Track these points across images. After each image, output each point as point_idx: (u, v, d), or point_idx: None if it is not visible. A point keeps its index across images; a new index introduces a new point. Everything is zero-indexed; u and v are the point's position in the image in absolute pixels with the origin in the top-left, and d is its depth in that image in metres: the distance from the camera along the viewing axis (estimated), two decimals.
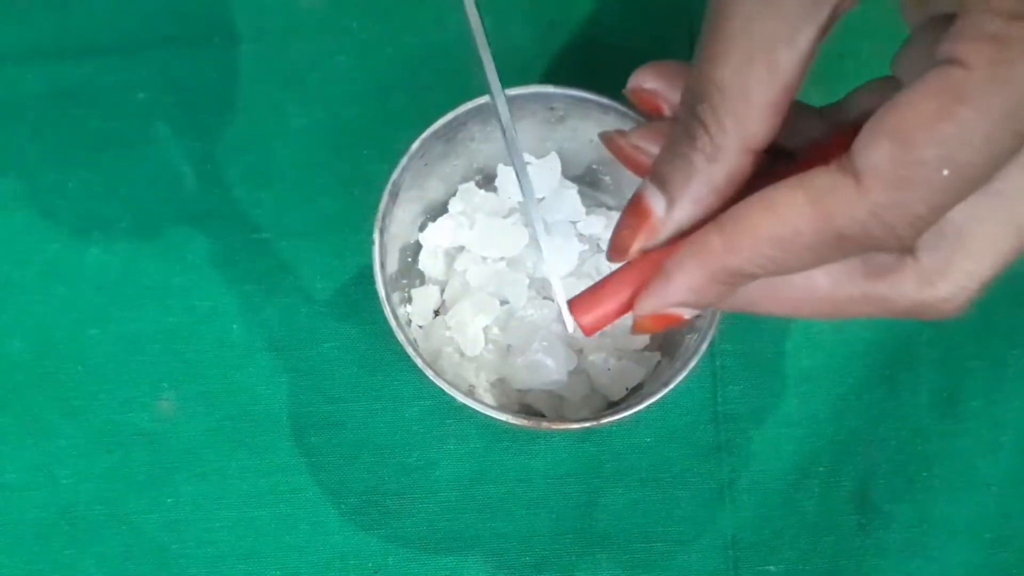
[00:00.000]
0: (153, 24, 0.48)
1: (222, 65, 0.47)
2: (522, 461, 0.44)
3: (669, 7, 0.48)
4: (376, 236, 0.39)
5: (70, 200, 0.46)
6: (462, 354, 0.42)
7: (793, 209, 0.25)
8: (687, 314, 0.28)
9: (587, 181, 0.45)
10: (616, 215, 0.30)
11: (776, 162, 0.27)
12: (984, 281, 0.27)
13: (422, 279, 0.44)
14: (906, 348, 0.45)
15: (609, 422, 0.38)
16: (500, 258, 0.43)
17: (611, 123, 0.40)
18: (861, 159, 0.24)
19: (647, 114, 0.30)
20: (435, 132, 0.40)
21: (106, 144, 0.47)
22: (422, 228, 0.44)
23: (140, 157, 0.47)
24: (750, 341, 0.45)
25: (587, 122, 0.41)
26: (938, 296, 0.27)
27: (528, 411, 0.43)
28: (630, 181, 0.30)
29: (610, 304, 0.29)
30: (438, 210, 0.44)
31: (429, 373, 0.38)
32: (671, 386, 0.38)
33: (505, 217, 0.43)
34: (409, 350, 0.38)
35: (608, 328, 0.30)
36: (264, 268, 0.46)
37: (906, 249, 0.27)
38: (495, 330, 0.42)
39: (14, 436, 0.44)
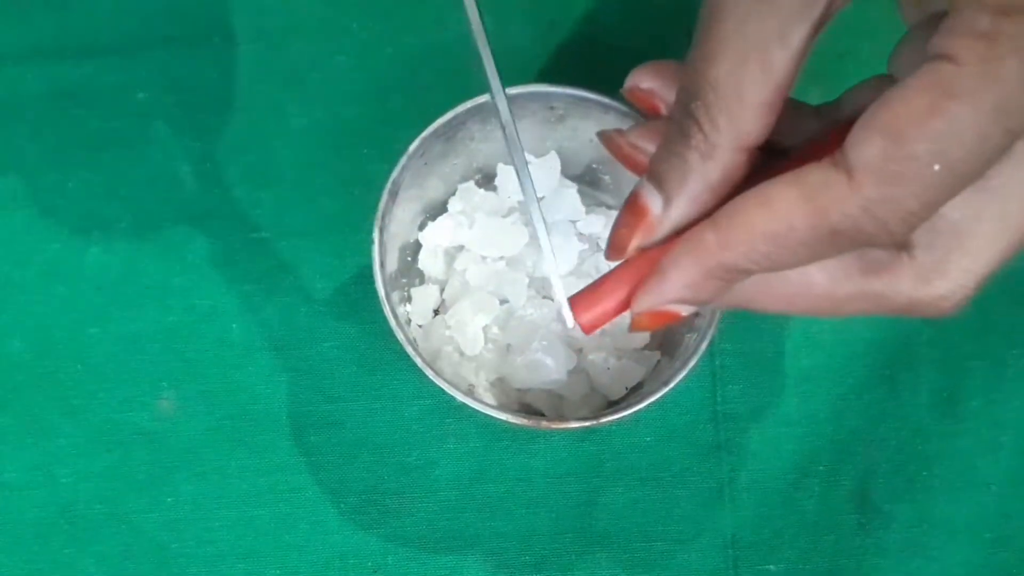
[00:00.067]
0: (153, 24, 0.48)
1: (222, 65, 0.47)
2: (522, 460, 0.44)
3: (669, 7, 0.48)
4: (376, 235, 0.39)
5: (70, 200, 0.46)
6: (462, 353, 0.42)
7: (787, 205, 0.25)
8: (684, 311, 0.28)
9: (587, 180, 0.45)
10: (616, 214, 0.31)
11: (772, 160, 0.27)
12: (981, 279, 0.27)
13: (422, 278, 0.44)
14: (906, 348, 0.45)
15: (609, 421, 0.38)
16: (500, 257, 0.43)
17: (611, 122, 0.40)
18: (853, 155, 0.24)
19: (644, 113, 0.31)
20: (435, 131, 0.40)
21: (106, 144, 0.47)
22: (422, 227, 0.44)
23: (140, 157, 0.47)
24: (750, 340, 0.45)
25: (587, 121, 0.41)
26: (935, 294, 0.27)
27: (528, 410, 0.43)
28: (630, 180, 0.30)
29: (608, 302, 0.29)
30: (438, 209, 0.44)
31: (429, 372, 0.38)
32: (671, 385, 0.38)
33: (505, 216, 0.43)
34: (409, 349, 0.38)
35: (608, 327, 0.30)
36: (264, 268, 0.46)
37: (899, 245, 0.27)
38: (495, 329, 0.42)
39: (14, 436, 0.44)
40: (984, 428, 0.45)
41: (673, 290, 0.27)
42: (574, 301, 0.30)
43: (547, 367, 0.41)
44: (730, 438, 0.44)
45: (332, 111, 0.47)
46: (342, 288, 0.45)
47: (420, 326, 0.43)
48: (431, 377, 0.38)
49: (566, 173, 0.44)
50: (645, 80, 0.30)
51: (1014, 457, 0.45)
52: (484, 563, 0.43)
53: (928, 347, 0.45)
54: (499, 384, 0.42)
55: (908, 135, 0.23)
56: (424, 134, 0.40)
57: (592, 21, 0.48)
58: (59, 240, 0.46)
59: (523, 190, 0.32)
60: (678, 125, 0.27)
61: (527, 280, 0.42)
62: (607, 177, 0.44)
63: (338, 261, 0.46)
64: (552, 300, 0.43)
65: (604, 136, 0.31)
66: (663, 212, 0.28)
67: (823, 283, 0.27)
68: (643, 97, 0.30)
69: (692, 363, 0.38)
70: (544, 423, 0.38)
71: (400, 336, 0.38)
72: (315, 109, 0.47)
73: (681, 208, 0.27)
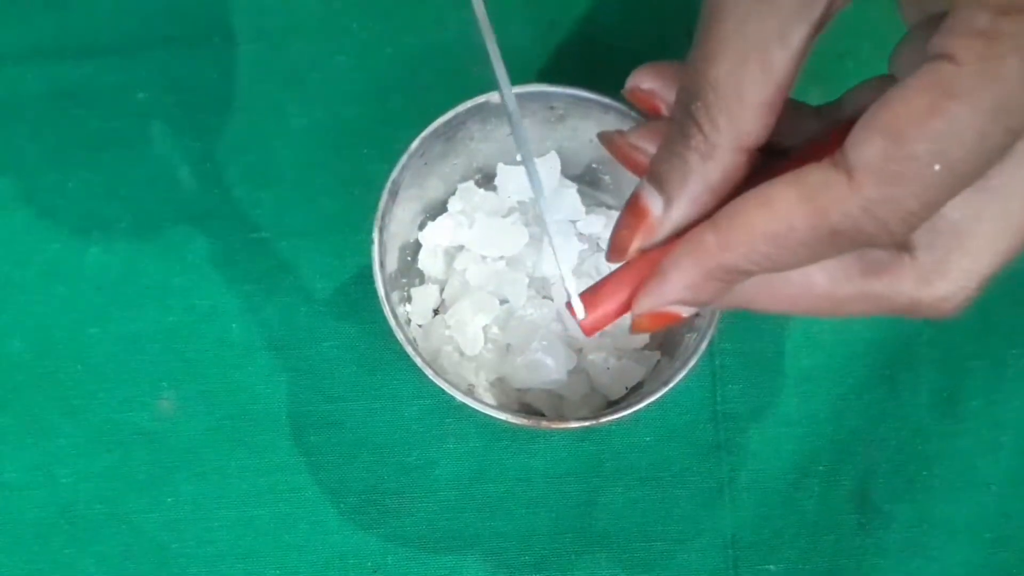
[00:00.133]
0: (153, 24, 0.48)
1: (222, 65, 0.47)
2: (521, 460, 0.44)
3: (669, 7, 0.48)
4: (375, 235, 0.39)
5: (70, 200, 0.46)
6: (461, 353, 0.42)
7: (787, 205, 0.25)
8: (684, 312, 0.28)
9: (587, 180, 0.45)
10: (616, 214, 0.30)
11: (773, 160, 0.27)
12: (982, 280, 0.27)
13: (421, 278, 0.44)
14: (906, 348, 0.45)
15: (608, 421, 0.38)
16: (499, 257, 0.43)
17: (611, 123, 0.40)
18: (854, 155, 0.24)
19: (645, 114, 0.31)
20: (435, 131, 0.40)
21: (106, 144, 0.47)
22: (422, 227, 0.44)
23: (140, 157, 0.47)
24: (750, 340, 0.45)
25: (587, 121, 0.41)
26: (936, 295, 0.27)
27: (527, 410, 0.43)
28: (630, 180, 0.30)
29: (609, 304, 0.29)
30: (438, 209, 0.44)
31: (428, 372, 0.38)
32: (671, 385, 0.38)
33: (504, 216, 0.43)
34: (408, 349, 0.38)
35: (608, 327, 0.30)
36: (264, 268, 0.46)
37: (900, 245, 0.27)
38: (495, 329, 0.42)
39: (14, 436, 0.44)
40: (984, 428, 0.45)
41: (673, 291, 0.27)
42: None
43: (547, 367, 0.41)
44: (730, 438, 0.44)
45: (332, 111, 0.47)
46: (342, 288, 0.45)
47: (420, 326, 0.43)
48: (431, 377, 0.38)
49: (566, 173, 0.44)
50: (646, 81, 0.30)
51: (1014, 457, 0.45)
52: (484, 563, 0.43)
53: (928, 347, 0.45)
54: (499, 384, 0.42)
55: (908, 135, 0.23)
56: (424, 134, 0.40)
57: (592, 21, 0.48)
58: (59, 240, 0.46)
59: (530, 179, 0.31)
60: (678, 125, 0.27)
61: (527, 280, 0.42)
62: (607, 177, 0.44)
63: (338, 261, 0.46)
64: (552, 300, 0.43)
65: (604, 137, 0.31)
66: (664, 213, 0.28)
67: (824, 284, 0.27)
68: (644, 98, 0.30)
69: (692, 363, 0.38)
70: (544, 423, 0.38)
71: (400, 336, 0.38)
72: (315, 109, 0.47)
73: (682, 209, 0.27)
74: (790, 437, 0.45)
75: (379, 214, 0.39)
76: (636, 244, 0.28)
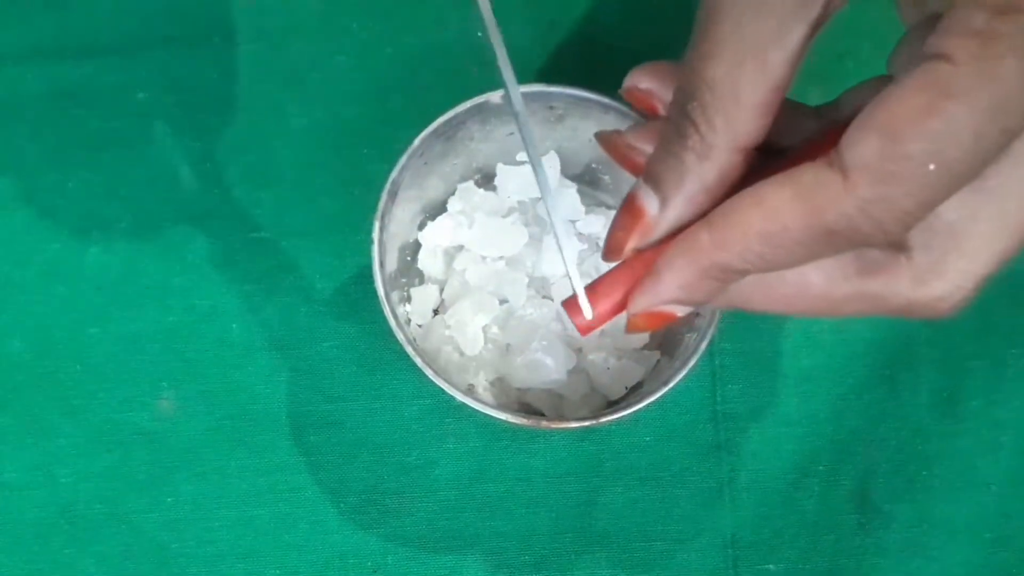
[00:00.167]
0: (153, 24, 0.48)
1: (222, 65, 0.47)
2: (521, 460, 0.44)
3: (669, 7, 0.48)
4: (375, 235, 0.39)
5: (70, 200, 0.46)
6: (461, 353, 0.42)
7: (781, 204, 0.25)
8: (679, 312, 0.28)
9: (586, 180, 0.45)
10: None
11: (770, 160, 0.27)
12: (979, 280, 0.27)
13: (421, 278, 0.44)
14: (906, 348, 0.45)
15: (608, 421, 0.38)
16: (499, 257, 0.43)
17: (611, 122, 0.40)
18: (849, 154, 0.24)
19: (643, 114, 0.31)
20: (434, 131, 0.40)
21: (106, 144, 0.47)
22: (421, 227, 0.44)
23: (140, 157, 0.47)
24: (750, 340, 0.45)
25: (587, 121, 0.41)
26: (932, 295, 0.27)
27: (527, 410, 0.43)
28: (629, 180, 0.30)
29: (604, 304, 0.29)
30: (437, 209, 0.44)
31: (428, 372, 0.38)
32: (670, 385, 0.38)
33: (504, 216, 0.43)
34: (408, 349, 0.38)
35: (607, 327, 0.30)
36: (264, 268, 0.46)
37: (896, 245, 0.27)
38: (494, 329, 0.42)
39: (14, 436, 0.44)
40: (984, 428, 0.45)
41: (668, 291, 0.27)
42: (570, 303, 0.30)
43: (547, 367, 0.41)
44: (730, 438, 0.44)
45: (332, 111, 0.47)
46: (342, 288, 0.45)
47: (420, 326, 0.43)
48: (431, 377, 0.38)
49: (566, 173, 0.44)
50: (643, 81, 0.30)
51: (1014, 457, 0.45)
52: (484, 563, 0.43)
53: (928, 347, 0.45)
54: (499, 384, 0.43)
55: (904, 134, 0.23)
56: (424, 133, 0.40)
57: (592, 21, 0.48)
58: (59, 240, 0.46)
59: (535, 173, 0.31)
60: (675, 126, 0.27)
61: (527, 280, 0.42)
62: (607, 177, 0.44)
63: (338, 261, 0.46)
64: (552, 300, 0.43)
65: (602, 137, 0.31)
66: (659, 213, 0.27)
67: (820, 284, 0.27)
68: (641, 98, 0.30)
69: (692, 363, 0.38)
70: (544, 423, 0.38)
71: (400, 336, 0.38)
72: (315, 109, 0.47)
73: (677, 209, 0.27)
74: (790, 437, 0.45)
75: (379, 214, 0.39)
76: (632, 244, 0.28)
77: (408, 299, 0.44)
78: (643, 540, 0.44)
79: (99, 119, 0.47)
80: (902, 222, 0.24)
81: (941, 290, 0.27)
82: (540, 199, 0.43)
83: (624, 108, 0.40)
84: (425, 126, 0.40)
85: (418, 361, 0.38)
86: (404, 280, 0.44)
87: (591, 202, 0.44)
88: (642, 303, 0.28)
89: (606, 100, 0.40)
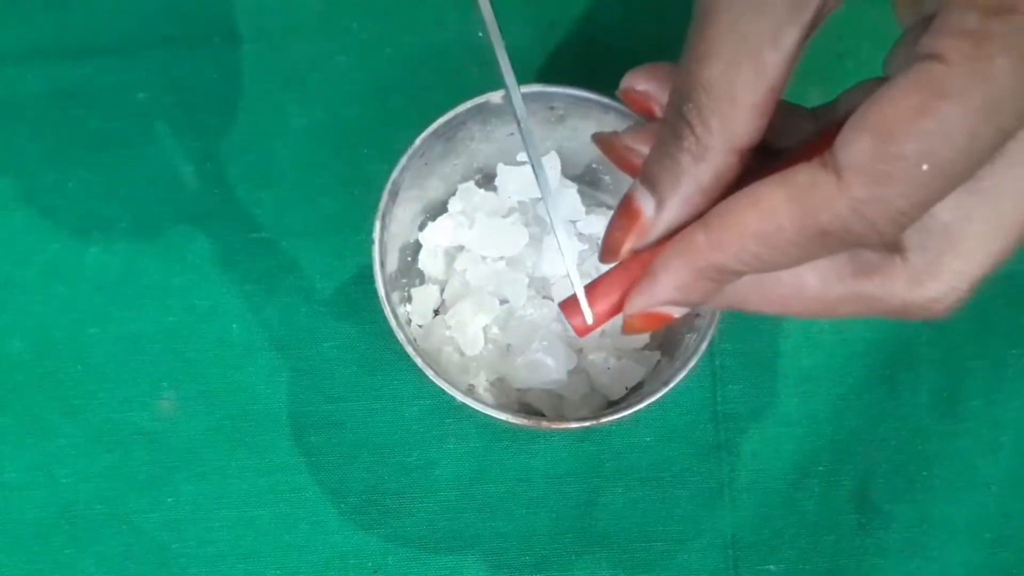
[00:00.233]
0: (153, 24, 0.48)
1: (222, 65, 0.47)
2: (522, 460, 0.44)
3: (669, 7, 0.48)
4: (376, 235, 0.39)
5: (70, 200, 0.46)
6: (462, 353, 0.42)
7: (776, 205, 0.25)
8: (676, 313, 0.28)
9: (587, 180, 0.45)
10: None
11: (766, 161, 0.27)
12: (974, 281, 0.27)
13: (422, 278, 0.44)
14: (906, 348, 0.45)
15: (609, 421, 0.38)
16: (500, 257, 0.43)
17: (611, 123, 0.40)
18: (842, 155, 0.24)
19: (640, 116, 0.31)
20: (435, 131, 0.40)
21: (106, 144, 0.47)
22: (422, 227, 0.44)
23: (140, 157, 0.47)
24: (750, 340, 0.45)
25: (587, 121, 0.41)
26: (927, 296, 0.27)
27: (528, 410, 0.43)
28: (630, 181, 0.30)
29: (601, 305, 0.29)
30: (438, 209, 0.44)
31: (429, 372, 0.38)
32: (671, 385, 0.38)
33: (504, 217, 0.43)
34: (409, 349, 0.38)
35: (607, 327, 0.30)
36: (264, 268, 0.46)
37: (890, 245, 0.27)
38: (495, 329, 0.42)
39: (14, 436, 0.44)
40: (984, 428, 0.45)
41: (664, 292, 0.27)
42: (567, 304, 0.30)
43: (547, 367, 0.41)
44: (730, 438, 0.44)
45: (332, 111, 0.47)
46: (342, 288, 0.45)
47: (420, 326, 0.43)
48: (431, 377, 0.38)
49: (566, 173, 0.44)
50: (640, 82, 0.30)
51: (1014, 457, 0.45)
52: (484, 563, 0.43)
53: (928, 347, 0.45)
54: (499, 384, 0.43)
55: (897, 135, 0.23)
56: (424, 134, 0.40)
57: (592, 21, 0.48)
58: (59, 240, 0.46)
59: (535, 174, 0.31)
60: (671, 127, 0.27)
61: (527, 280, 0.42)
62: (607, 177, 0.44)
63: (338, 261, 0.46)
64: (552, 300, 0.43)
65: (599, 138, 0.31)
66: (656, 214, 0.28)
67: (815, 285, 0.27)
68: (638, 99, 0.30)
69: (692, 363, 0.38)
70: (544, 423, 0.38)
71: (400, 336, 0.38)
72: (315, 109, 0.47)
73: (674, 210, 0.27)
74: (790, 437, 0.45)
75: (379, 214, 0.39)
76: (628, 245, 0.28)
77: (409, 299, 0.44)
78: (643, 540, 0.44)
79: (99, 119, 0.47)
80: (896, 223, 0.24)
81: (936, 291, 0.27)
82: (540, 199, 0.43)
83: (624, 108, 0.40)
84: (425, 126, 0.40)
85: (419, 361, 0.38)
86: (405, 280, 0.44)
87: (591, 202, 0.44)
88: (638, 304, 0.28)
89: (606, 100, 0.40)
